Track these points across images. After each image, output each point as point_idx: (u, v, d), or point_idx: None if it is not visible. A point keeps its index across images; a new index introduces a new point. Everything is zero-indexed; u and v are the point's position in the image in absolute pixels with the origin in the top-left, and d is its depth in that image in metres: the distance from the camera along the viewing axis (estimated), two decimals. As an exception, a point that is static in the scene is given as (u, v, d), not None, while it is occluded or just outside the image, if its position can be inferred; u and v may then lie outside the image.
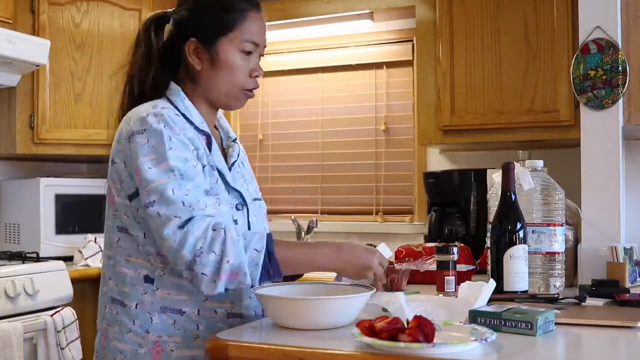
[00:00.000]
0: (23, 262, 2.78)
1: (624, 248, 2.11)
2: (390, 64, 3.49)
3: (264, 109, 3.78)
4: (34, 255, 2.90)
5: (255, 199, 1.68)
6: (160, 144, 1.43)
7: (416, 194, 3.36)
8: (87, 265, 3.01)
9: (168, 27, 1.60)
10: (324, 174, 3.63)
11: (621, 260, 2.07)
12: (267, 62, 3.80)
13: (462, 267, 2.13)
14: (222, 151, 1.64)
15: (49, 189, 3.16)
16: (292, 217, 3.48)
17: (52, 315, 2.60)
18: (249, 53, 1.58)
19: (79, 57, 3.24)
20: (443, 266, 1.94)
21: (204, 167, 1.51)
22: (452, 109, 2.83)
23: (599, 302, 1.80)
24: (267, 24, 3.73)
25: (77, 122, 3.22)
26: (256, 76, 1.61)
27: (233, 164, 1.64)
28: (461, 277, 2.07)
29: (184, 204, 1.40)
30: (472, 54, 2.80)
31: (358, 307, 1.46)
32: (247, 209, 1.60)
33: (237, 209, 1.57)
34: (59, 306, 2.69)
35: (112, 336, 1.51)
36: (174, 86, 1.58)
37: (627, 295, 1.84)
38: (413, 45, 3.33)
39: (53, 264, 2.77)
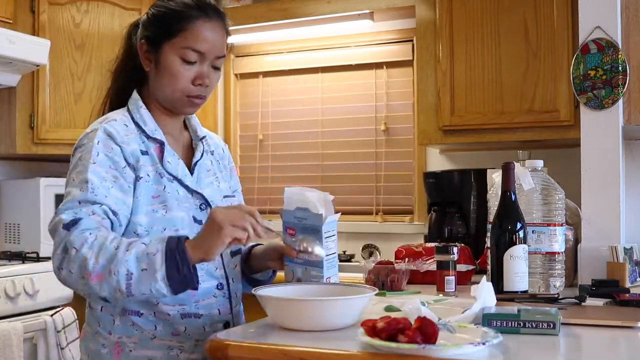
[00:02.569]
0: (23, 262, 2.78)
1: (624, 248, 2.11)
2: (390, 64, 3.49)
3: (264, 109, 3.78)
4: (34, 255, 2.91)
5: (226, 196, 1.71)
6: (87, 160, 1.50)
7: (416, 194, 3.36)
8: None
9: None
10: (324, 174, 3.63)
11: (621, 260, 2.07)
12: (267, 62, 3.82)
13: (462, 267, 2.13)
14: (190, 152, 1.69)
15: (49, 189, 3.16)
16: (292, 217, 3.48)
17: (52, 315, 2.61)
18: (190, 61, 1.58)
19: (79, 57, 3.24)
20: (443, 266, 1.94)
21: (139, 178, 1.54)
22: (452, 109, 2.83)
23: (599, 302, 1.80)
24: (267, 24, 3.66)
25: (77, 122, 3.22)
26: (199, 84, 1.60)
27: (195, 164, 1.67)
28: (461, 277, 2.07)
29: (80, 203, 1.44)
30: (472, 54, 2.80)
31: (360, 308, 1.46)
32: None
33: (201, 209, 1.61)
34: (59, 306, 2.69)
35: (83, 336, 1.63)
36: (134, 95, 1.64)
37: (627, 295, 1.84)
38: (413, 45, 3.33)
39: (53, 264, 2.77)
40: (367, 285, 1.63)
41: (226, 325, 1.61)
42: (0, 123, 3.17)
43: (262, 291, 1.49)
